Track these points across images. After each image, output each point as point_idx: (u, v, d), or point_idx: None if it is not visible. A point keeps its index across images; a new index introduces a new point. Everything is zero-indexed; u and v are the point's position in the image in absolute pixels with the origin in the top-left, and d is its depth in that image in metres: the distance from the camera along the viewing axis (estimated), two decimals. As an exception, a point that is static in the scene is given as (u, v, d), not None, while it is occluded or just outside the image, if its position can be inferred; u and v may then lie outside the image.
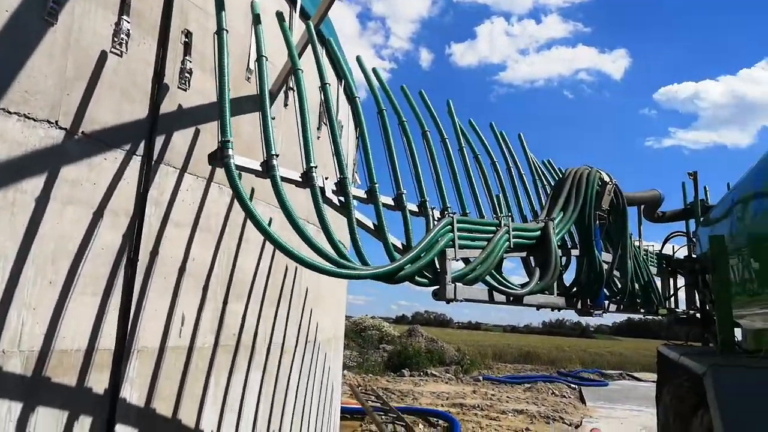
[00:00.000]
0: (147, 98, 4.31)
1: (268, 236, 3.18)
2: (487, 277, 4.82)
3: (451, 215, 4.50)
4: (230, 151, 3.35)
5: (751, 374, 3.12)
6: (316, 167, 3.80)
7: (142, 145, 4.21)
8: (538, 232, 5.34)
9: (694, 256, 8.50)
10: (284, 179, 3.64)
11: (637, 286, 6.98)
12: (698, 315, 7.89)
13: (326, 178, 3.93)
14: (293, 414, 5.89)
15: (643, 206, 8.28)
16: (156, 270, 4.18)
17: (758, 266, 4.99)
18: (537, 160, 7.27)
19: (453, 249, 4.41)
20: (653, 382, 23.14)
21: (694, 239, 8.62)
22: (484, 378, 21.69)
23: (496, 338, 52.42)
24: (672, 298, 8.44)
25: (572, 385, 21.01)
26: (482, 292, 4.72)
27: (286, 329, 5.74)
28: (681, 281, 8.65)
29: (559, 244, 5.78)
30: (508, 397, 17.70)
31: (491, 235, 4.83)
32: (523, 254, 5.34)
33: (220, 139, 3.43)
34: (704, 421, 3.80)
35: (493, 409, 15.35)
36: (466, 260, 4.78)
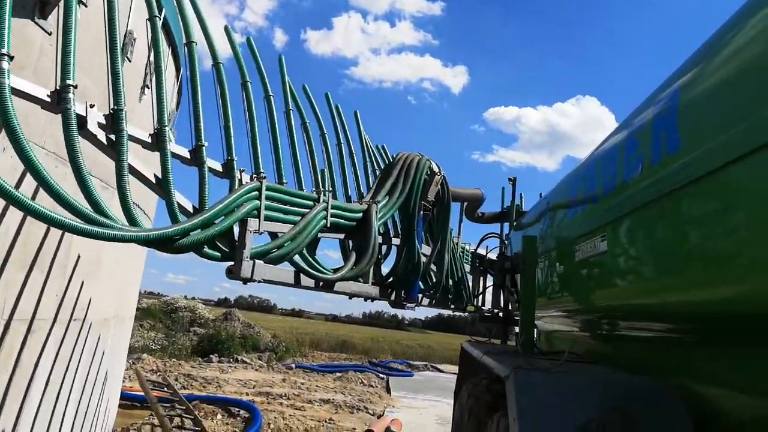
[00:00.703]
0: None
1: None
2: (296, 258, 4.19)
3: (261, 180, 3.78)
4: None
5: (553, 378, 2.95)
6: (74, 87, 2.80)
7: None
8: (360, 214, 4.86)
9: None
10: (18, 92, 2.60)
11: (451, 281, 6.94)
12: (501, 314, 8.19)
13: (92, 106, 2.95)
14: (39, 409, 4.67)
15: (466, 204, 8.36)
16: None
17: (558, 270, 5.08)
18: (371, 143, 6.86)
19: (257, 219, 3.70)
20: (453, 373, 24.66)
21: (506, 241, 8.99)
22: (296, 366, 21.20)
23: (317, 326, 52.62)
24: (480, 297, 8.68)
25: (381, 375, 21.51)
26: (288, 273, 4.08)
27: (39, 302, 4.51)
28: (490, 281, 8.97)
29: (381, 231, 5.38)
30: (317, 386, 17.42)
31: (306, 210, 4.21)
32: (341, 236, 4.83)
33: None
34: (500, 426, 3.62)
35: (300, 399, 14.89)
36: (273, 235, 4.10)
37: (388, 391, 18.28)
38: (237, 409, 12.52)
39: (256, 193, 3.68)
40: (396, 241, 5.81)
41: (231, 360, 20.14)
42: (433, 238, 6.43)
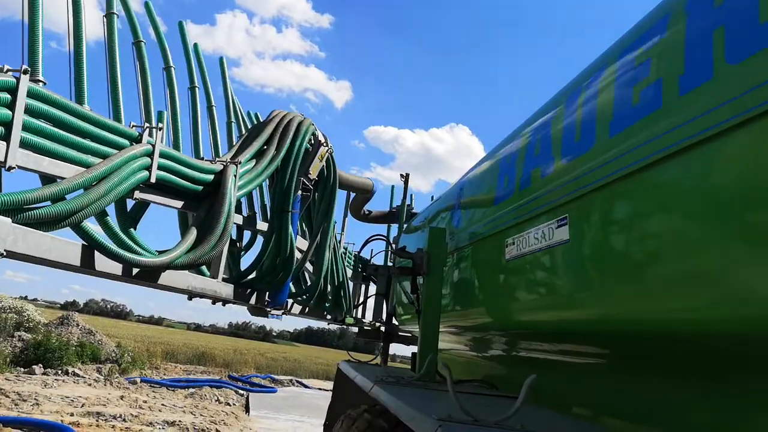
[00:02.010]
0: None
1: None
2: (89, 223, 2.54)
3: (22, 74, 2.12)
4: None
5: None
6: None
7: None
8: (210, 176, 3.30)
9: (390, 262, 7.65)
10: None
11: (330, 286, 5.53)
12: (383, 329, 6.96)
13: None
14: None
15: (352, 197, 7.03)
16: None
17: (465, 275, 3.93)
18: (239, 104, 5.27)
19: (5, 144, 2.03)
20: (319, 389, 23.07)
21: (393, 245, 7.79)
22: (142, 380, 18.36)
23: (176, 336, 48.07)
24: (360, 308, 7.37)
25: (240, 391, 19.37)
26: (67, 247, 2.42)
27: None
28: (372, 291, 7.71)
29: (245, 213, 3.84)
30: (163, 404, 14.94)
31: (114, 151, 2.59)
32: (177, 204, 3.22)
33: None
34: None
35: (139, 421, 12.47)
36: (49, 181, 2.42)
37: (247, 410, 16.25)
38: (51, 435, 9.94)
39: (6, 96, 2.01)
40: (263, 226, 4.30)
41: (59, 372, 16.86)
42: (312, 229, 4.99)
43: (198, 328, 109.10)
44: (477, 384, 3.54)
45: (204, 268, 3.52)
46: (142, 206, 3.12)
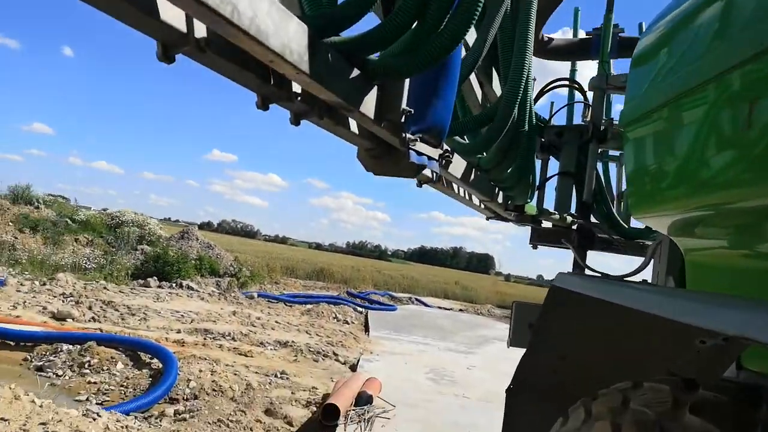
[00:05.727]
0: None
1: None
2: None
3: None
4: None
5: None
6: None
7: None
8: None
9: (584, 121, 4.66)
10: None
11: (525, 128, 2.75)
12: (577, 226, 4.15)
13: None
14: None
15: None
16: None
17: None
18: None
19: None
20: (439, 308, 20.74)
21: (585, 93, 4.76)
22: (260, 295, 17.40)
23: (297, 253, 48.83)
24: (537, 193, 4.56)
25: (359, 309, 17.85)
26: None
27: None
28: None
29: None
30: (277, 322, 13.57)
31: None
32: None
33: None
34: None
35: (249, 340, 11.04)
36: None
37: (367, 329, 14.59)
38: (150, 356, 8.61)
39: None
40: None
41: (173, 285, 16.16)
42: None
43: (318, 246, 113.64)
44: None
45: None
46: None
